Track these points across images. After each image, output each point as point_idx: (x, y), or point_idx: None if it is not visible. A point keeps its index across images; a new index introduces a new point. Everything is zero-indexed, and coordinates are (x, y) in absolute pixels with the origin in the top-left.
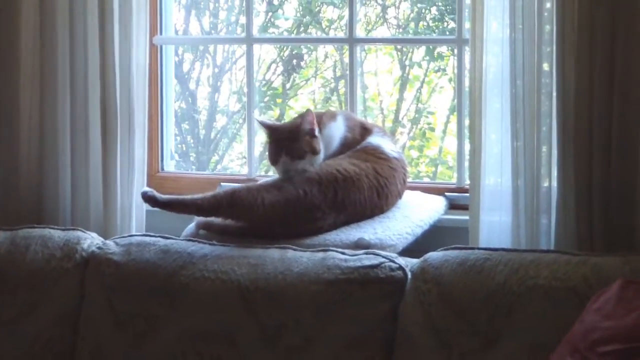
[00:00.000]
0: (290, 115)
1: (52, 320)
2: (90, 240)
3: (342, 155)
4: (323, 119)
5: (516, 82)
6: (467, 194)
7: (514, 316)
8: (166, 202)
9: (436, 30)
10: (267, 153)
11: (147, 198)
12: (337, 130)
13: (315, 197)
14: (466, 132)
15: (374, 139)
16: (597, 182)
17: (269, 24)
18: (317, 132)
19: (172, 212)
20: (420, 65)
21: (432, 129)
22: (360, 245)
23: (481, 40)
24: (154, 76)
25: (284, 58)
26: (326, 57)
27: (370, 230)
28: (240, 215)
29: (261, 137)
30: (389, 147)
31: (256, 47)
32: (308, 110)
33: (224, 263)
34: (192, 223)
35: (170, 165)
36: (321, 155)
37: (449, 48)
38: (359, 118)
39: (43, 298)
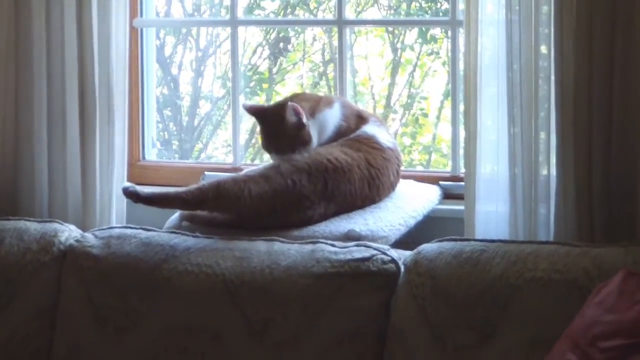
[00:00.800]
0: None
1: (28, 316)
2: (68, 232)
3: (334, 143)
4: (320, 104)
5: (513, 66)
6: (462, 183)
7: (512, 310)
8: (149, 198)
9: (429, 12)
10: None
11: (129, 194)
12: (332, 118)
13: (304, 187)
14: (461, 118)
15: (369, 128)
16: (597, 170)
17: (254, 6)
18: (305, 120)
19: (156, 207)
20: (412, 48)
21: (426, 115)
22: (350, 237)
23: (476, 22)
24: (134, 61)
25: (270, 41)
26: (314, 40)
27: (361, 222)
28: (227, 207)
29: (247, 124)
30: (383, 137)
31: (241, 30)
32: (289, 104)
33: (208, 256)
34: (175, 214)
35: (151, 154)
36: (314, 142)
37: (443, 30)
38: (356, 106)
39: (19, 293)
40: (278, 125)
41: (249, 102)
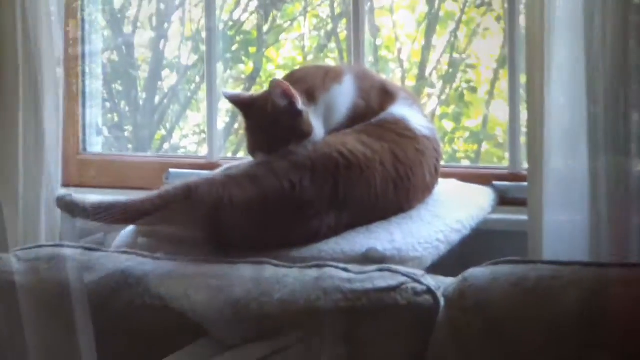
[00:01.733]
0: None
1: None
2: None
3: (348, 130)
4: (325, 80)
5: (594, 19)
6: (525, 183)
7: (594, 358)
8: (94, 210)
9: None
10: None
11: (65, 205)
12: (343, 97)
13: (306, 191)
14: (522, 93)
15: (398, 109)
16: None
17: None
18: (300, 105)
19: (103, 222)
20: None
21: (474, 90)
22: (370, 258)
23: None
24: (72, 14)
25: None
26: None
27: (385, 237)
28: (200, 220)
29: (227, 103)
30: (416, 120)
31: None
32: (274, 82)
33: (173, 285)
34: (128, 228)
35: (96, 144)
36: (318, 134)
37: None
38: (379, 78)
39: None
40: (267, 117)
41: (231, 90)
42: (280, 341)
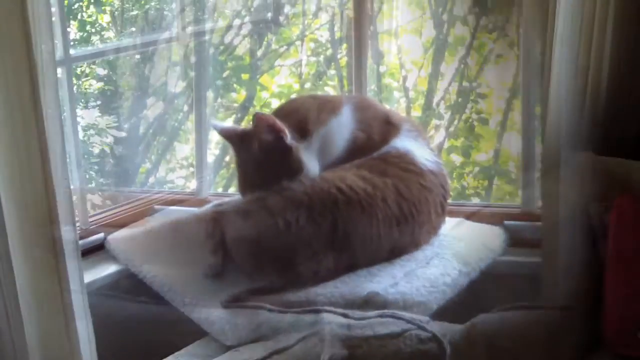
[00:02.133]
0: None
1: None
2: None
3: (347, 165)
4: (320, 112)
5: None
6: (539, 223)
7: None
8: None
9: None
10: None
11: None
12: (340, 129)
13: (303, 230)
14: (537, 125)
15: (402, 142)
16: None
17: None
18: (289, 140)
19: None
20: (465, 22)
21: (485, 121)
22: (371, 302)
23: None
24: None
25: (252, 10)
26: (319, 9)
27: (388, 280)
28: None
29: (218, 135)
30: (423, 154)
31: None
32: (258, 115)
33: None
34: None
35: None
36: (310, 172)
37: None
38: (382, 108)
39: None
40: (254, 154)
41: (221, 122)
42: (280, 342)
